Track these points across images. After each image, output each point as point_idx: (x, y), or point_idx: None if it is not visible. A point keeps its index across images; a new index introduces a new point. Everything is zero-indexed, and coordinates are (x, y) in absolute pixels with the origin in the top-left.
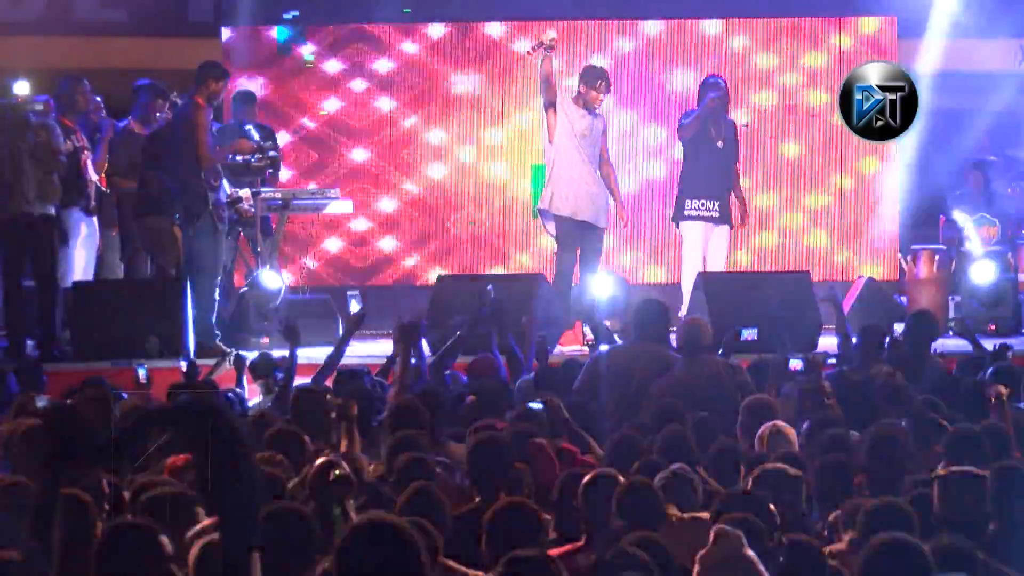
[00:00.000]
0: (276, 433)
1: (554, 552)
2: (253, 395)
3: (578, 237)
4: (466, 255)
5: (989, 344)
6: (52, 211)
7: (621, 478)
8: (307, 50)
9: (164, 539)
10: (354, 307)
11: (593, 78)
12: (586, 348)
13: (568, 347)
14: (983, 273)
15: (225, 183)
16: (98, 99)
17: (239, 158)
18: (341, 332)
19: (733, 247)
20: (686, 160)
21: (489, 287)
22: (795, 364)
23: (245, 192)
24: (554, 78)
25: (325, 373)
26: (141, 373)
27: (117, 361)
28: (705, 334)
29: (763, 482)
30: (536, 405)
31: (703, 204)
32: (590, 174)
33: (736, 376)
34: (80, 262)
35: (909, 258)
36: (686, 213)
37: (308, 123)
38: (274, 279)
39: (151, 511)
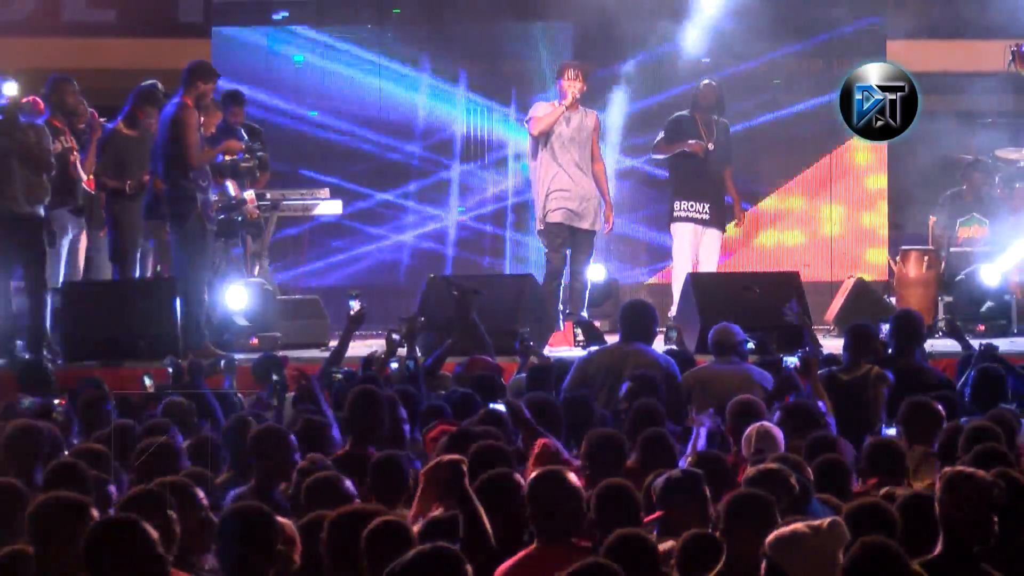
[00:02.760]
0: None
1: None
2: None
3: (568, 239)
4: (459, 255)
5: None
6: (41, 212)
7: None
8: (296, 51)
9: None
10: (354, 307)
11: (560, 69)
12: (577, 348)
13: (558, 347)
14: (992, 277)
15: (231, 185)
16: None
17: (227, 158)
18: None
19: (725, 249)
20: (675, 161)
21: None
22: (791, 361)
23: (249, 194)
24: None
25: (327, 372)
26: (147, 381)
27: (107, 362)
28: (736, 337)
29: (752, 482)
30: (499, 407)
31: (692, 206)
32: (580, 178)
33: (765, 385)
34: (77, 262)
35: (898, 258)
36: (675, 215)
37: (295, 123)
38: (240, 296)
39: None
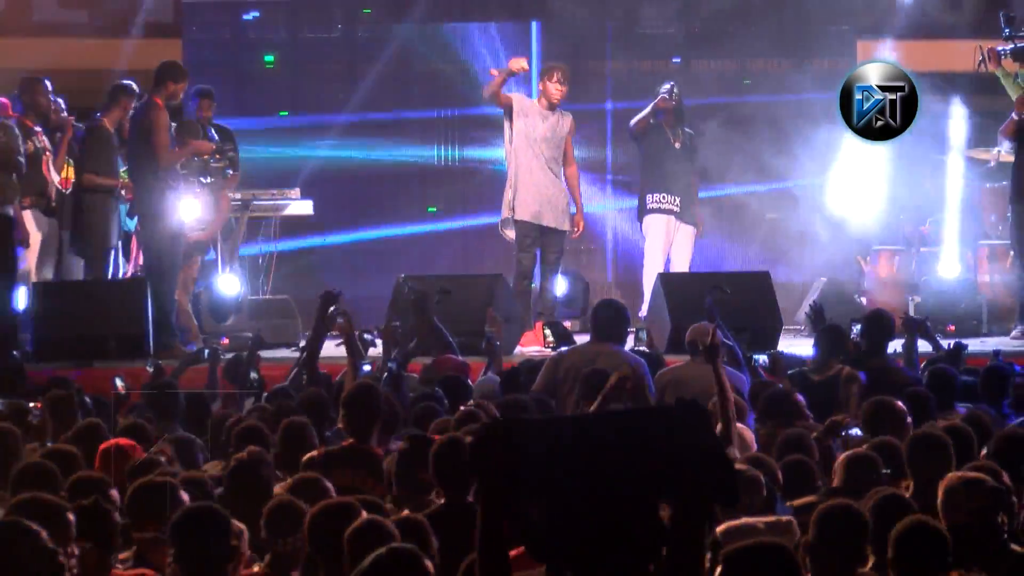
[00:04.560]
0: None
1: None
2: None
3: (538, 239)
4: (431, 253)
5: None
6: (11, 212)
7: None
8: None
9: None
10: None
11: (547, 70)
12: (547, 349)
13: (528, 347)
14: (948, 269)
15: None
16: (59, 100)
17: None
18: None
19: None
20: (644, 158)
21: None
22: (761, 358)
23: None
24: (500, 97)
25: (302, 373)
26: (119, 383)
27: (78, 362)
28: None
29: None
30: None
31: (664, 198)
32: (550, 178)
33: (739, 387)
34: (39, 263)
35: (868, 258)
36: (648, 207)
37: (267, 123)
38: (232, 284)
39: None
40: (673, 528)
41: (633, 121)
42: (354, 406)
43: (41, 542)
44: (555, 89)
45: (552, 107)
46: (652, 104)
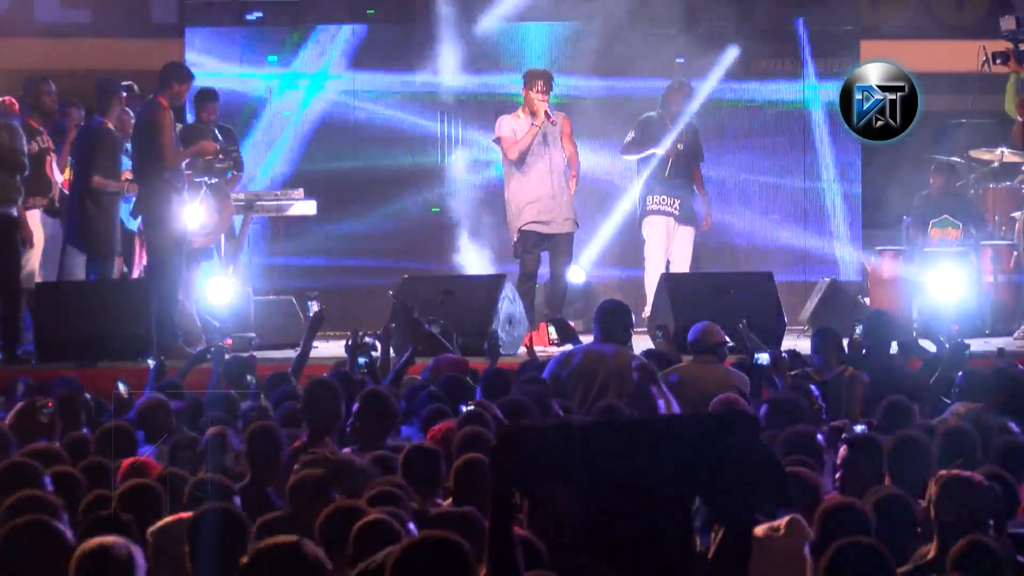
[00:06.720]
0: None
1: None
2: None
3: (543, 242)
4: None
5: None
6: (14, 212)
7: None
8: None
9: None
10: (313, 309)
11: (530, 79)
12: (552, 349)
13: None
14: (950, 287)
15: None
16: (71, 106)
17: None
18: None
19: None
20: (647, 160)
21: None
22: (762, 358)
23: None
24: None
25: (295, 376)
26: (122, 388)
27: (81, 362)
28: (717, 337)
29: None
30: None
31: (664, 200)
32: (553, 184)
33: (741, 387)
34: (43, 263)
35: (873, 259)
36: (648, 208)
37: (269, 125)
38: (221, 288)
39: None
40: (723, 534)
41: (626, 155)
42: (312, 404)
43: (66, 541)
44: (539, 101)
45: (534, 116)
46: (654, 154)
